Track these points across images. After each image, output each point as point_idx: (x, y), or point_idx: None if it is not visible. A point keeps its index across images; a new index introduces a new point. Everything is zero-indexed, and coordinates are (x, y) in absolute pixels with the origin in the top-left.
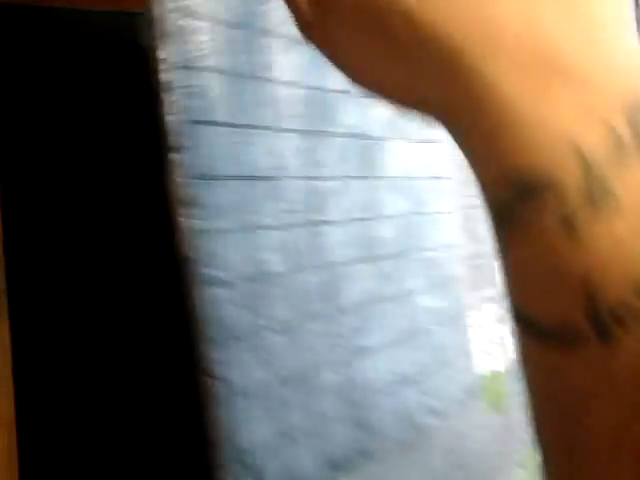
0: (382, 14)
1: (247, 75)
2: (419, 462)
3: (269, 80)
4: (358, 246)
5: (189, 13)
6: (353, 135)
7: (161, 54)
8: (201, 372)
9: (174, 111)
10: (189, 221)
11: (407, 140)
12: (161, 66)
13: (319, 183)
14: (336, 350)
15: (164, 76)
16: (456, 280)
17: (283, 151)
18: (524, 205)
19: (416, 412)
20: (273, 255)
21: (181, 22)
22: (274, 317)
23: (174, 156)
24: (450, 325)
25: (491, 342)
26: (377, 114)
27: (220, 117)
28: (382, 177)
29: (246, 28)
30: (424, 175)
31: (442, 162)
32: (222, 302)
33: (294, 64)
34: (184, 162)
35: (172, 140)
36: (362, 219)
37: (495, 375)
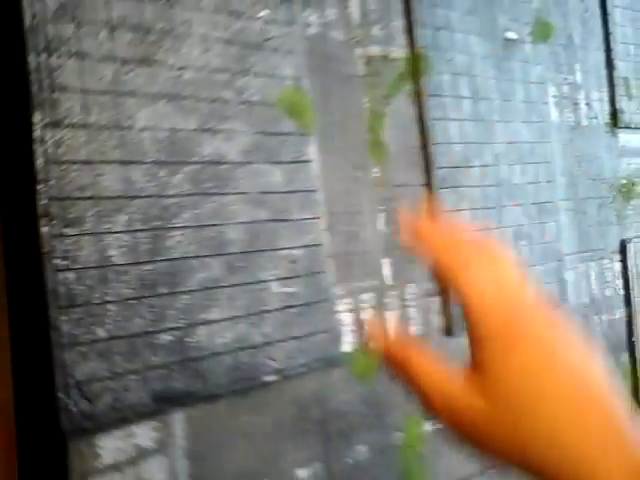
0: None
1: (109, 127)
2: (258, 407)
3: (131, 128)
4: (205, 246)
5: (60, 87)
6: (210, 162)
7: (34, 119)
8: (51, 328)
9: (41, 156)
10: (48, 229)
11: (271, 163)
12: (33, 126)
13: (168, 200)
14: (172, 320)
15: (35, 133)
16: (320, 273)
17: (136, 178)
18: None
19: (258, 371)
20: (117, 252)
21: (54, 95)
22: (115, 294)
23: (39, 186)
24: (308, 308)
25: (363, 323)
26: (238, 144)
27: (80, 157)
28: (238, 193)
29: (112, 93)
30: (288, 189)
31: (310, 178)
32: (71, 283)
33: (155, 114)
34: (47, 190)
35: (39, 177)
36: (211, 225)
37: (363, 352)
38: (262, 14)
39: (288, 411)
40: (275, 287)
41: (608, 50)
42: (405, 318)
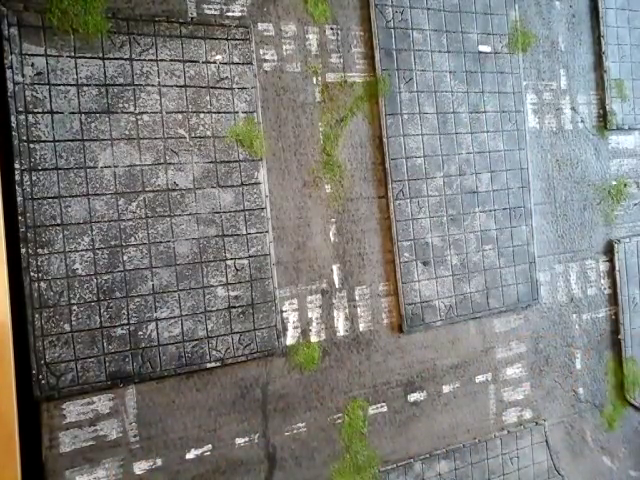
0: None
1: (76, 167)
2: (201, 387)
3: (94, 167)
4: (157, 259)
5: (36, 139)
6: (163, 190)
7: (15, 165)
8: (28, 323)
9: (20, 195)
10: (25, 250)
11: (221, 187)
12: (15, 172)
13: (126, 223)
14: (126, 318)
15: (15, 177)
16: (265, 278)
17: (98, 207)
18: None
19: (202, 359)
20: (80, 266)
21: (31, 146)
22: (78, 298)
23: (19, 218)
24: (251, 308)
25: (308, 321)
26: (189, 174)
27: (52, 194)
28: (189, 214)
29: (79, 140)
30: (237, 209)
31: (260, 198)
32: (43, 290)
33: (116, 153)
34: (25, 221)
35: (19, 211)
36: (162, 242)
37: (306, 345)
38: (217, 58)
39: (230, 391)
40: (221, 291)
41: (599, 53)
42: (355, 316)
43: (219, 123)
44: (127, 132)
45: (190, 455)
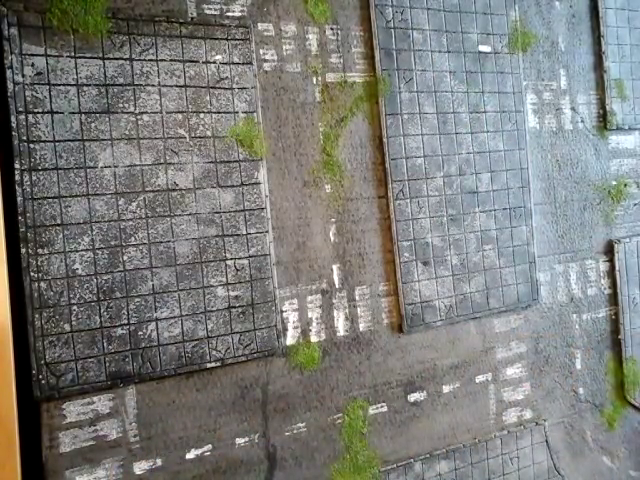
0: None
1: (76, 167)
2: (201, 387)
3: (94, 167)
4: (157, 259)
5: (36, 139)
6: (163, 190)
7: (15, 165)
8: (28, 324)
9: (20, 195)
10: (25, 250)
11: (221, 187)
12: (15, 172)
13: (126, 223)
14: (126, 318)
15: (16, 177)
16: (265, 278)
17: (98, 207)
18: None
19: (202, 359)
20: (80, 266)
21: (31, 146)
22: (79, 298)
23: (19, 218)
24: (251, 308)
25: (308, 321)
26: (189, 174)
27: (52, 194)
28: (189, 214)
29: (79, 140)
30: (237, 209)
31: (260, 197)
32: (43, 290)
33: (116, 153)
34: (25, 221)
35: (19, 210)
36: (162, 242)
37: (306, 345)
38: (217, 58)
39: (230, 391)
40: (221, 291)
41: (599, 53)
42: (355, 316)
43: (219, 123)
44: (127, 132)
45: (190, 455)
